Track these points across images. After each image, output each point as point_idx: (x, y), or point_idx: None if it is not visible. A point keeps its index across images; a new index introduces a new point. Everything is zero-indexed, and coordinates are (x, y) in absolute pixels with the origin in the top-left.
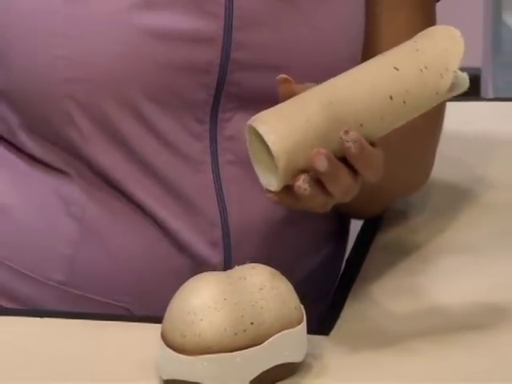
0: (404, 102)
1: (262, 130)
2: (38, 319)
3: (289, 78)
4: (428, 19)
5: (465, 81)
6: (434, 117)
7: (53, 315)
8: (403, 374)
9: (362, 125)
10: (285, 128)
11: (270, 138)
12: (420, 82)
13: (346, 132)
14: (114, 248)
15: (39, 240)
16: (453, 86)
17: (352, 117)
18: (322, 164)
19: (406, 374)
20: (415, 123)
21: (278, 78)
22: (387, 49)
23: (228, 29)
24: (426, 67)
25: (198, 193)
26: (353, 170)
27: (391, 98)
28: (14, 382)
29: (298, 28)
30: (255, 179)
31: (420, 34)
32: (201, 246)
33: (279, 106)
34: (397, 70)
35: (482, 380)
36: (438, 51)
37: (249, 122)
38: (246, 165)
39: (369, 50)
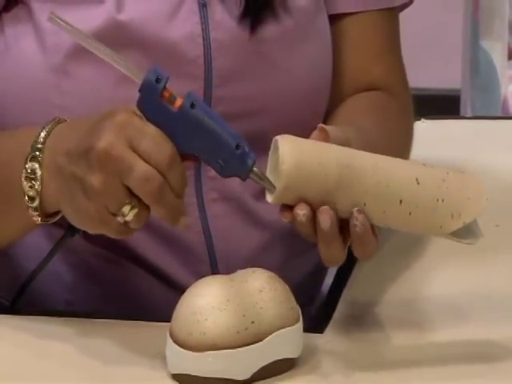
0: (410, 214)
1: (282, 142)
2: (55, 318)
3: (326, 129)
4: (392, 31)
5: (474, 235)
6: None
7: (70, 315)
8: (391, 369)
9: (365, 204)
10: (297, 150)
11: (284, 152)
12: (431, 207)
13: (360, 212)
14: (108, 289)
15: (41, 285)
16: (459, 233)
17: (359, 191)
18: (324, 222)
19: (394, 370)
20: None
21: (318, 126)
22: (352, 62)
23: (207, 87)
24: (442, 200)
25: (185, 232)
26: (345, 240)
27: (401, 202)
28: (27, 379)
29: (271, 76)
30: (240, 215)
31: (456, 170)
32: (190, 281)
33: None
34: (417, 183)
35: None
36: (461, 195)
37: (276, 137)
38: (230, 202)
39: (334, 63)
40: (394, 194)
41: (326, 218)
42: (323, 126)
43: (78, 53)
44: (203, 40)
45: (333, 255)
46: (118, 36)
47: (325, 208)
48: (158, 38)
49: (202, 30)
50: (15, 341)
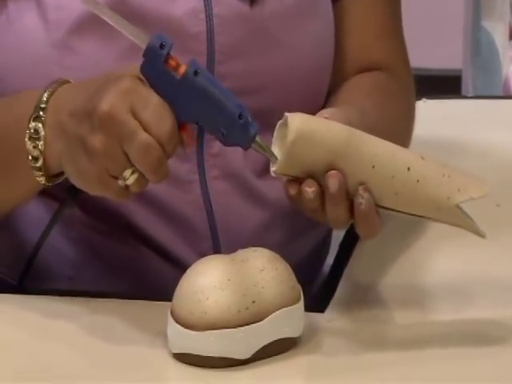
0: (418, 181)
1: (291, 114)
2: (56, 297)
3: (328, 117)
4: (394, 11)
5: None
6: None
7: (71, 294)
8: (392, 349)
9: (374, 167)
10: (306, 117)
11: (293, 117)
12: (438, 178)
13: (365, 189)
14: (110, 266)
15: (43, 261)
16: (462, 211)
17: (368, 154)
18: (333, 185)
19: (394, 349)
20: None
21: (320, 112)
22: (354, 41)
23: (210, 63)
24: (449, 176)
25: (187, 209)
26: (351, 212)
27: (408, 169)
28: (29, 359)
29: (274, 52)
30: (242, 193)
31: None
32: (191, 258)
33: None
34: (423, 159)
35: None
36: (465, 177)
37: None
38: (232, 179)
39: (336, 43)
40: (401, 161)
41: (334, 181)
42: (325, 115)
43: (81, 28)
44: (206, 16)
45: (339, 216)
46: (119, 12)
47: (333, 172)
48: (161, 13)
49: (205, 5)
50: (17, 320)
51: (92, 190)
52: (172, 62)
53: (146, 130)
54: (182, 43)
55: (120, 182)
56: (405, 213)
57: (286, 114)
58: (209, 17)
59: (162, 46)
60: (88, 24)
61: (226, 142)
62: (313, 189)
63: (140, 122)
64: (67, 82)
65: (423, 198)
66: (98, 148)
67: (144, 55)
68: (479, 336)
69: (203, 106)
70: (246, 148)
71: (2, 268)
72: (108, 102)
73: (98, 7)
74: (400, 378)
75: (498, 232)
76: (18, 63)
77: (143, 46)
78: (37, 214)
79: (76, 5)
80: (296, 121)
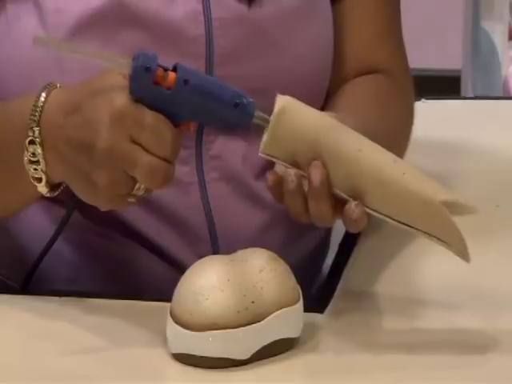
0: (404, 174)
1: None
2: (55, 298)
3: None
4: (393, 14)
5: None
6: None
7: (70, 295)
8: (390, 350)
9: (360, 150)
10: (295, 100)
11: (282, 97)
12: (423, 177)
13: (357, 205)
14: (109, 268)
15: (42, 263)
16: (448, 213)
17: (354, 143)
18: (316, 177)
19: (392, 351)
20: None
21: None
22: (353, 44)
23: (209, 66)
24: (433, 181)
25: (186, 211)
26: (336, 209)
27: (395, 161)
28: (28, 360)
29: (273, 55)
30: (241, 195)
31: None
32: (191, 259)
33: None
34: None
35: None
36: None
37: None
38: (231, 181)
39: (335, 46)
40: (388, 154)
41: (317, 173)
42: None
43: (80, 31)
44: (204, 18)
45: (321, 213)
46: (118, 14)
47: (317, 162)
48: (160, 16)
49: (204, 8)
50: (16, 321)
51: (101, 208)
52: (160, 78)
53: (147, 151)
54: (180, 46)
55: (130, 199)
56: (391, 218)
57: (278, 94)
58: (208, 19)
59: (147, 69)
60: (87, 27)
61: (227, 129)
62: (295, 171)
63: (140, 145)
64: (54, 87)
65: (409, 192)
66: (104, 183)
67: (130, 80)
68: (472, 344)
69: (198, 107)
70: (247, 128)
71: (2, 269)
72: (105, 139)
73: (71, 48)
74: (398, 379)
75: (497, 232)
76: (18, 66)
77: (123, 70)
78: (36, 217)
79: (75, 8)
80: (284, 100)
